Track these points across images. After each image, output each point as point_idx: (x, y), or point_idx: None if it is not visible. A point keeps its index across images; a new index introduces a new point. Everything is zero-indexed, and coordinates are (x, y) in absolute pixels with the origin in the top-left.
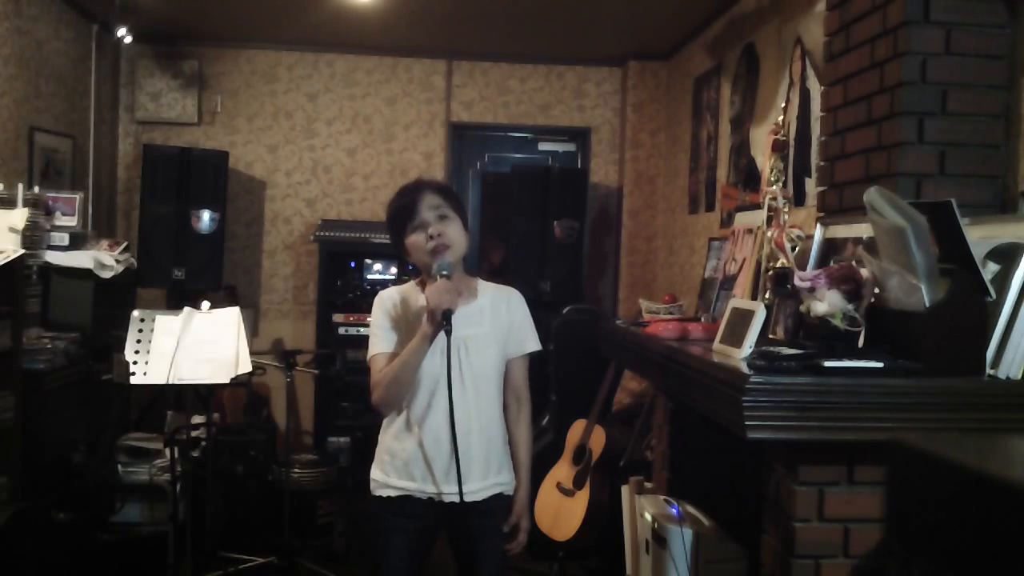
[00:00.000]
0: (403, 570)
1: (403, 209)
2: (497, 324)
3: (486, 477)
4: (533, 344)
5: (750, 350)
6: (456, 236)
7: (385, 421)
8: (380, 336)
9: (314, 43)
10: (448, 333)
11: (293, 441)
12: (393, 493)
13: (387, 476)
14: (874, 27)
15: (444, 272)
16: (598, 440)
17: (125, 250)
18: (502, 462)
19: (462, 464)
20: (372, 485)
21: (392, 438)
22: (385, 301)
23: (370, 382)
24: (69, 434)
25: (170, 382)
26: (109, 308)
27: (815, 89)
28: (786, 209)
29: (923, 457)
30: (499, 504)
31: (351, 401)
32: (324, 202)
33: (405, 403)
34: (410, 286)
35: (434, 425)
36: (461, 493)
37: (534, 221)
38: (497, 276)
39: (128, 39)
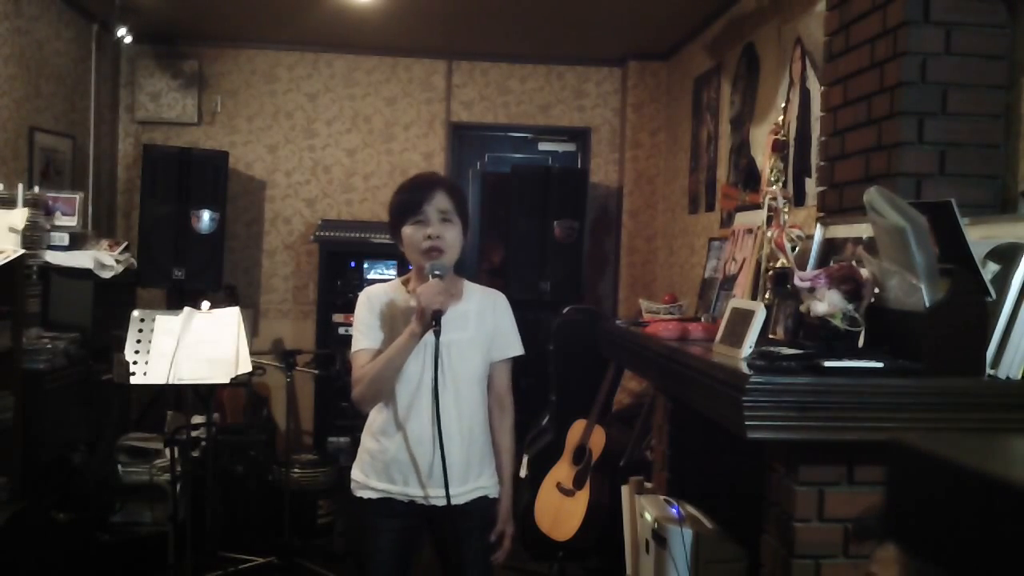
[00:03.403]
0: (391, 569)
1: (409, 203)
2: (482, 329)
3: (466, 482)
4: (516, 349)
5: (750, 350)
6: (453, 241)
7: (367, 421)
8: (364, 332)
9: (314, 43)
10: (437, 334)
11: (293, 441)
12: (373, 495)
13: (367, 477)
14: (874, 27)
15: (437, 272)
16: (598, 440)
17: (125, 250)
18: (484, 466)
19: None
20: (353, 485)
21: (372, 439)
22: (372, 298)
23: (351, 377)
24: (69, 434)
25: (170, 382)
26: (109, 308)
27: (815, 89)
28: (786, 209)
29: (923, 457)
30: (482, 505)
31: (351, 401)
32: (324, 202)
33: (387, 404)
34: (396, 285)
35: (416, 428)
36: (448, 497)
37: (534, 221)
38: (497, 276)
39: (128, 39)
